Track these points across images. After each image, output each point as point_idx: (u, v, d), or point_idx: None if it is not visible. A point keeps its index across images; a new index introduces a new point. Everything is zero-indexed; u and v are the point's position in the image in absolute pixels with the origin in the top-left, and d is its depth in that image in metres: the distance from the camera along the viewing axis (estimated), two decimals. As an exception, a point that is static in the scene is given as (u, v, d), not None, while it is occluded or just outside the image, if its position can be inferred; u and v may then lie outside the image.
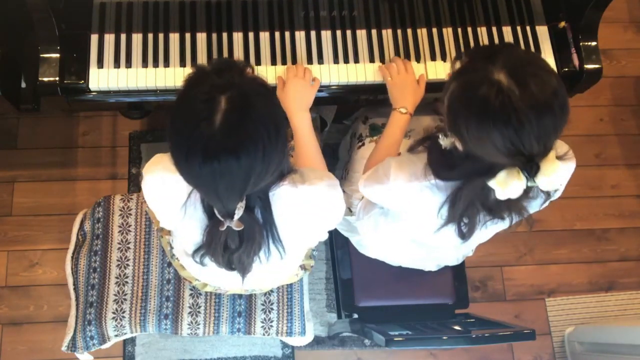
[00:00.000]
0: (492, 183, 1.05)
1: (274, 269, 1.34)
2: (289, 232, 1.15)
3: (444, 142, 1.15)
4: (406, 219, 1.37)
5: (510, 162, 1.01)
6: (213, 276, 1.42)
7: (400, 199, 1.26)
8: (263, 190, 1.06)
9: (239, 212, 1.01)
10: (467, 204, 1.14)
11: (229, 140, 0.91)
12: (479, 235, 1.30)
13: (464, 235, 1.23)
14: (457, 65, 1.10)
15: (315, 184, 1.13)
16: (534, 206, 1.23)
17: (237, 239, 1.08)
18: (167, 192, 1.13)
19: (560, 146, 1.12)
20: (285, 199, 1.10)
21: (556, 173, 1.02)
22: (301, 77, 1.47)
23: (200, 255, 1.16)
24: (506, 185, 1.03)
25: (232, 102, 0.92)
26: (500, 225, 1.27)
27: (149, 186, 1.16)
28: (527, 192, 1.08)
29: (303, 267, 1.53)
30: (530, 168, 1.01)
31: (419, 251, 1.54)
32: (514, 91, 0.95)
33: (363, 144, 1.66)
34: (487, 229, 1.27)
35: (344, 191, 1.64)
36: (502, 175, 1.03)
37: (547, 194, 1.17)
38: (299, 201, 1.12)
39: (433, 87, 1.56)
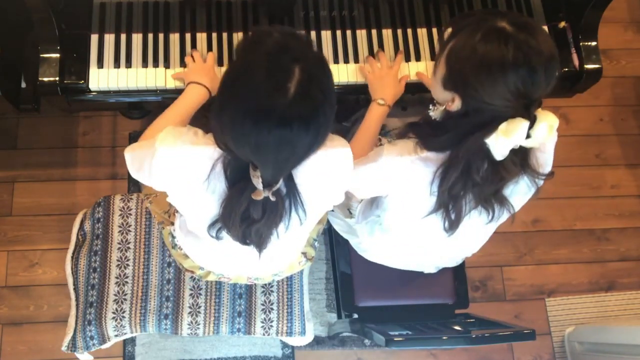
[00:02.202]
0: (493, 137, 1.09)
1: (284, 246, 1.33)
2: (308, 197, 1.15)
3: (435, 112, 1.22)
4: (395, 209, 1.36)
5: (513, 110, 1.07)
6: (218, 262, 1.41)
7: (391, 175, 1.26)
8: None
9: (280, 183, 1.03)
10: (462, 169, 1.16)
11: (303, 109, 0.93)
12: (467, 232, 1.31)
13: (451, 225, 1.25)
14: (448, 31, 1.15)
15: (327, 148, 1.11)
16: (520, 191, 1.24)
17: (260, 210, 1.08)
18: (188, 165, 1.10)
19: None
20: (302, 166, 1.09)
21: (553, 121, 1.08)
22: None
23: (217, 229, 1.15)
24: (509, 133, 1.07)
25: (305, 73, 0.93)
26: (483, 220, 1.27)
27: (165, 159, 1.11)
28: (524, 157, 1.15)
29: (305, 255, 1.53)
30: (529, 116, 1.07)
31: (415, 255, 1.54)
32: (519, 36, 1.03)
33: None
34: (472, 222, 1.28)
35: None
36: (504, 125, 1.08)
37: (533, 173, 1.19)
38: (315, 166, 1.11)
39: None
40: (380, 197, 1.44)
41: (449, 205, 1.22)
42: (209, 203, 1.13)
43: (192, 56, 1.49)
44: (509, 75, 1.03)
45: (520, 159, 1.15)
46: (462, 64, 1.08)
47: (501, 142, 1.09)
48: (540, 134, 1.09)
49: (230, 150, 1.04)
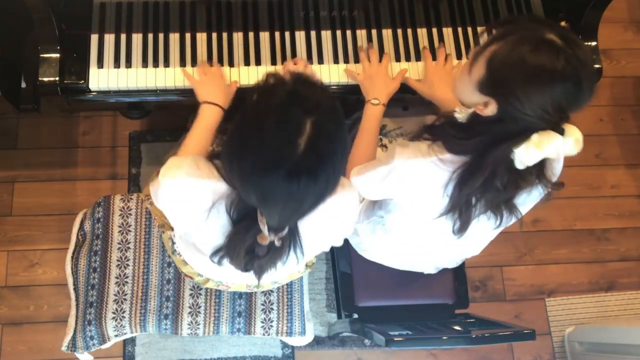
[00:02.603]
0: (523, 147, 1.08)
1: (285, 269, 1.34)
2: (309, 239, 1.16)
3: (461, 114, 1.18)
4: (404, 210, 1.36)
5: (548, 123, 1.06)
6: (218, 272, 1.42)
7: (404, 176, 1.25)
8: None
9: (286, 230, 1.03)
10: (487, 176, 1.15)
11: (312, 164, 0.93)
12: (471, 235, 1.30)
13: (461, 228, 1.24)
14: (485, 36, 1.13)
15: (337, 192, 1.10)
16: (532, 199, 1.25)
17: (265, 248, 1.07)
18: (190, 197, 1.11)
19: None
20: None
21: (579, 136, 1.08)
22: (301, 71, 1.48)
23: (219, 257, 1.16)
24: (542, 145, 1.07)
25: (315, 127, 0.92)
26: (491, 225, 1.27)
27: (169, 190, 1.13)
28: (541, 167, 1.14)
29: (305, 264, 1.53)
30: (560, 130, 1.07)
31: (416, 256, 1.54)
32: (569, 50, 1.01)
33: None
34: (480, 226, 1.27)
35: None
36: (536, 137, 1.07)
37: (547, 183, 1.18)
38: (321, 210, 1.10)
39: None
40: (385, 199, 1.43)
41: (462, 208, 1.21)
42: (211, 232, 1.14)
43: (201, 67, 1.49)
44: (556, 88, 1.02)
45: (537, 168, 1.14)
46: (507, 71, 1.05)
47: (531, 153, 1.08)
48: (568, 149, 1.08)
49: (238, 191, 1.05)
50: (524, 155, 1.08)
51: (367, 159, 1.42)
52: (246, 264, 1.13)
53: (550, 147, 1.06)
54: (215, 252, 1.16)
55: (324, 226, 1.17)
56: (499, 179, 1.15)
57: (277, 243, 1.05)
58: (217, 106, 1.41)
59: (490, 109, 1.10)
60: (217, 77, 1.47)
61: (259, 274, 1.16)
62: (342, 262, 1.70)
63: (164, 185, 1.13)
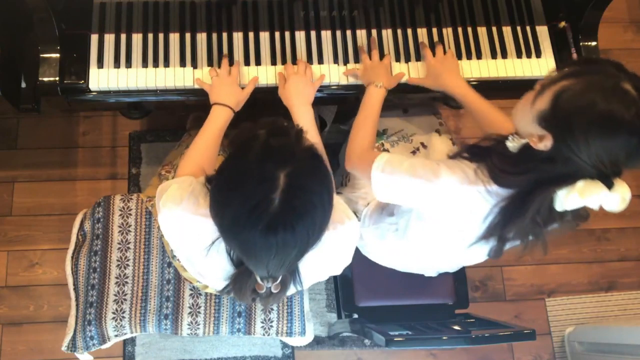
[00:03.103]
0: (565, 190, 1.05)
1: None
2: (308, 272, 1.16)
3: (513, 144, 1.12)
4: (425, 221, 1.31)
5: (599, 173, 1.03)
6: (216, 282, 1.42)
7: (443, 200, 1.20)
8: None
9: (280, 277, 1.02)
10: (534, 214, 1.12)
11: (288, 218, 0.91)
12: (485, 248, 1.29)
13: (496, 254, 1.23)
14: (551, 75, 1.05)
15: (337, 228, 1.11)
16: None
17: (269, 289, 1.07)
18: (188, 232, 1.11)
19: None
20: None
21: (627, 194, 1.04)
22: (302, 74, 1.47)
23: (227, 292, 1.16)
24: (585, 194, 1.03)
25: (291, 180, 0.91)
26: (516, 244, 1.25)
27: (167, 222, 1.13)
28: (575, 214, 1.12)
29: None
30: (609, 183, 1.03)
31: (421, 261, 1.53)
32: None
33: None
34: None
35: (342, 194, 1.64)
36: (581, 184, 1.03)
37: (580, 219, 1.17)
38: (323, 246, 1.09)
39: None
40: (397, 206, 1.41)
41: (499, 238, 1.20)
42: (213, 268, 1.14)
43: (216, 70, 1.49)
44: (619, 140, 0.98)
45: (575, 209, 1.11)
46: (573, 110, 0.99)
47: (572, 199, 1.05)
48: (611, 204, 1.05)
49: None
50: (565, 199, 1.05)
51: (367, 144, 1.40)
52: (252, 299, 1.13)
53: (593, 199, 1.03)
54: (222, 290, 1.16)
55: (322, 261, 1.16)
56: (540, 215, 1.12)
57: (275, 290, 1.04)
58: (228, 108, 1.41)
59: (544, 144, 1.05)
60: (226, 78, 1.47)
61: (264, 306, 1.16)
62: (342, 262, 1.70)
63: (163, 214, 1.12)
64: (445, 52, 1.56)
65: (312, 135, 1.39)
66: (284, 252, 0.95)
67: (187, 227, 1.10)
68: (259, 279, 1.03)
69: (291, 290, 1.15)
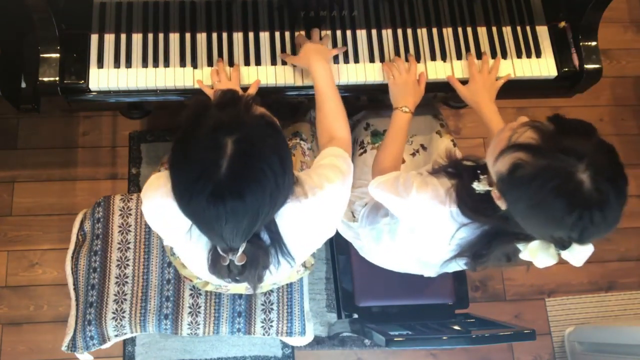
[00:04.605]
0: (522, 245, 1.07)
1: (281, 273, 1.34)
2: (298, 244, 1.15)
3: (478, 187, 1.12)
4: (416, 235, 1.35)
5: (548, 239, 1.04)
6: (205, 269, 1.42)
7: (416, 215, 1.25)
8: (266, 221, 1.05)
9: (242, 248, 1.01)
10: (494, 255, 1.15)
11: (235, 185, 0.91)
12: None
13: (472, 268, 1.25)
14: (522, 130, 1.02)
15: (316, 194, 1.11)
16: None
17: (239, 266, 1.07)
18: (169, 218, 1.12)
19: None
20: (289, 216, 1.09)
21: (586, 252, 1.05)
22: (316, 40, 1.50)
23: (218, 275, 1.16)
24: (535, 255, 1.05)
25: (239, 146, 0.91)
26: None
27: (148, 211, 1.15)
28: None
29: (304, 265, 1.53)
30: (564, 247, 1.03)
31: (418, 261, 1.54)
32: (592, 198, 0.95)
33: (365, 151, 1.66)
34: None
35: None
36: (535, 245, 1.05)
37: None
38: (303, 215, 1.11)
39: (432, 86, 1.57)
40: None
41: (470, 257, 1.22)
42: (197, 252, 1.14)
43: (217, 71, 1.49)
44: (555, 228, 0.99)
45: None
46: (523, 190, 0.99)
47: (526, 254, 1.07)
48: (568, 258, 1.05)
49: None
50: (522, 251, 1.08)
51: (392, 165, 1.43)
52: (233, 279, 1.13)
53: (543, 261, 1.05)
54: (208, 270, 1.16)
55: (308, 228, 1.16)
56: (505, 254, 1.16)
57: (238, 262, 1.03)
58: None
59: (501, 203, 1.06)
60: (228, 84, 1.46)
61: (252, 284, 1.16)
62: (342, 262, 1.70)
63: (145, 206, 1.14)
64: (489, 68, 1.56)
65: (331, 90, 1.37)
66: (234, 220, 0.93)
67: (168, 213, 1.10)
68: (220, 251, 1.02)
69: (285, 267, 1.14)
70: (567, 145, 0.96)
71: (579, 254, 1.04)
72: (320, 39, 1.54)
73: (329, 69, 1.41)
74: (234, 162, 0.90)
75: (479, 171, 1.13)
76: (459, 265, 1.34)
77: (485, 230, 1.16)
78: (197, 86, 1.49)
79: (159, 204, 1.12)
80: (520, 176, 0.99)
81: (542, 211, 0.99)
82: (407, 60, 1.57)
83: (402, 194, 1.23)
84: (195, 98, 1.00)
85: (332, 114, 1.35)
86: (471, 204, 1.14)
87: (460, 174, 1.19)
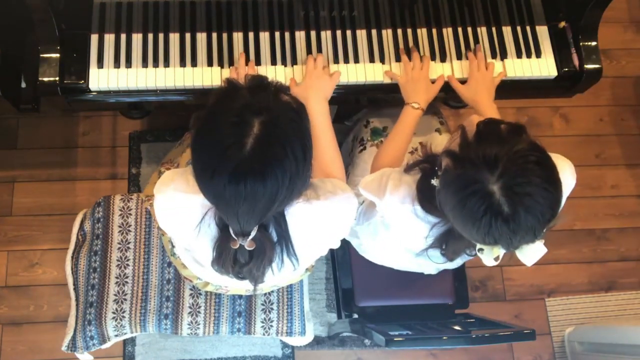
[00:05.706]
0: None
1: (283, 274, 1.34)
2: (304, 246, 1.15)
3: (435, 182, 1.13)
4: (391, 232, 1.40)
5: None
6: (215, 276, 1.42)
7: (390, 215, 1.29)
8: (279, 210, 1.06)
9: (253, 233, 1.02)
10: (452, 249, 1.22)
11: (258, 165, 0.92)
12: None
13: (450, 259, 1.28)
14: (457, 136, 1.07)
15: (328, 198, 1.12)
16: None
17: (246, 254, 1.07)
18: (180, 211, 1.12)
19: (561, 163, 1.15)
20: (299, 216, 1.10)
21: (534, 253, 1.07)
22: (321, 69, 1.49)
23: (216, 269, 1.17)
24: (485, 256, 1.10)
25: (265, 128, 0.92)
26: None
27: (160, 206, 1.16)
28: None
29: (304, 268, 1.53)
30: (510, 248, 1.06)
31: (417, 259, 1.54)
32: (502, 209, 0.98)
33: (364, 148, 1.65)
34: None
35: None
36: (481, 247, 1.10)
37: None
38: (313, 217, 1.12)
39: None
40: None
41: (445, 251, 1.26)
42: (204, 247, 1.15)
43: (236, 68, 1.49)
44: (475, 238, 1.05)
45: None
46: (444, 196, 1.06)
47: (478, 253, 1.12)
48: (522, 258, 1.08)
49: None
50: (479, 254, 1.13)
51: (394, 161, 1.43)
52: (237, 273, 1.13)
53: (491, 261, 1.08)
54: (211, 265, 1.17)
55: (317, 232, 1.17)
56: (462, 248, 1.21)
57: (248, 247, 1.04)
58: None
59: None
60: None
61: (254, 281, 1.16)
62: (342, 262, 1.70)
63: (157, 200, 1.15)
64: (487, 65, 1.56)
65: (328, 131, 1.38)
66: (252, 200, 0.94)
67: (179, 206, 1.12)
68: (232, 234, 1.03)
69: (288, 266, 1.14)
70: (480, 154, 0.99)
71: (529, 253, 1.07)
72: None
73: (326, 108, 1.42)
74: (259, 142, 0.91)
75: (436, 168, 1.15)
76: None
77: (449, 226, 1.19)
78: (197, 86, 1.49)
79: (171, 197, 1.12)
80: (444, 181, 1.06)
81: (459, 215, 1.04)
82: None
83: (379, 194, 1.26)
84: (226, 79, 1.02)
85: (327, 155, 1.36)
86: (428, 198, 1.17)
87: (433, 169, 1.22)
